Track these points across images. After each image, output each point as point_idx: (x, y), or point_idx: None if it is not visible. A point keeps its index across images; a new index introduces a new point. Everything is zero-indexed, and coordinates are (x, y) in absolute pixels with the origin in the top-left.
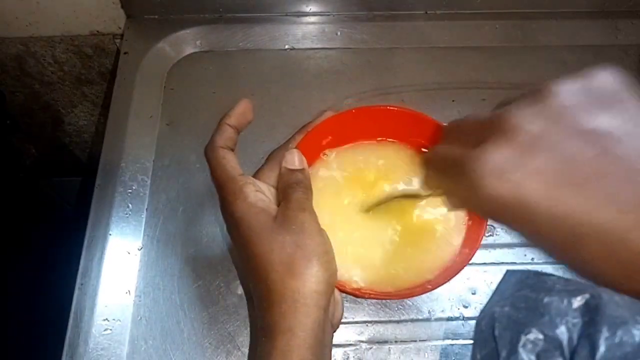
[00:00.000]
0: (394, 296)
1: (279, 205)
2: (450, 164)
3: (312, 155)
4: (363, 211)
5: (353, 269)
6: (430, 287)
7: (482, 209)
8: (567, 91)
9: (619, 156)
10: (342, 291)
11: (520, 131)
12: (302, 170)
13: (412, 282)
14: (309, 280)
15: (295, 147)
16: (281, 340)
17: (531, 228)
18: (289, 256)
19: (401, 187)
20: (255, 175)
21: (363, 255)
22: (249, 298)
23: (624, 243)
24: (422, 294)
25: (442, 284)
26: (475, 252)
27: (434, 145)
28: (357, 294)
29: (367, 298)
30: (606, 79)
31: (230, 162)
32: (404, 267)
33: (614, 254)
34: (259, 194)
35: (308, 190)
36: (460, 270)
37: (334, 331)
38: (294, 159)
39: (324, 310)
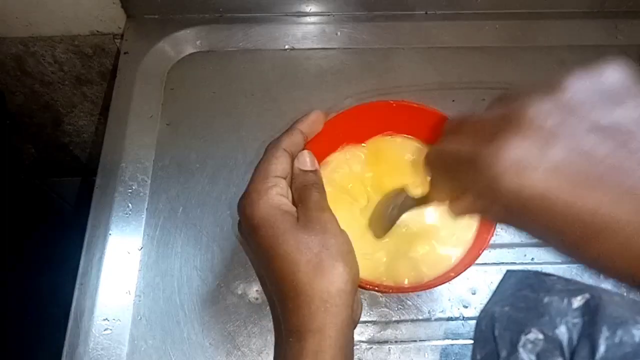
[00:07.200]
0: (417, 288)
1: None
2: (462, 161)
3: (321, 154)
4: (378, 238)
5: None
6: (452, 274)
7: (497, 207)
8: (580, 87)
9: (635, 150)
10: (363, 288)
11: (538, 125)
12: (315, 172)
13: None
14: (337, 280)
15: (305, 148)
16: (312, 341)
17: (546, 224)
18: (316, 256)
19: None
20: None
21: (370, 256)
22: (271, 300)
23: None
24: (444, 282)
25: (463, 271)
26: (490, 238)
27: (437, 144)
28: (380, 290)
29: (390, 293)
30: (615, 74)
31: (281, 164)
32: (410, 274)
33: (630, 247)
34: (283, 198)
35: (323, 190)
36: (479, 255)
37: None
38: (306, 160)
39: (351, 309)
